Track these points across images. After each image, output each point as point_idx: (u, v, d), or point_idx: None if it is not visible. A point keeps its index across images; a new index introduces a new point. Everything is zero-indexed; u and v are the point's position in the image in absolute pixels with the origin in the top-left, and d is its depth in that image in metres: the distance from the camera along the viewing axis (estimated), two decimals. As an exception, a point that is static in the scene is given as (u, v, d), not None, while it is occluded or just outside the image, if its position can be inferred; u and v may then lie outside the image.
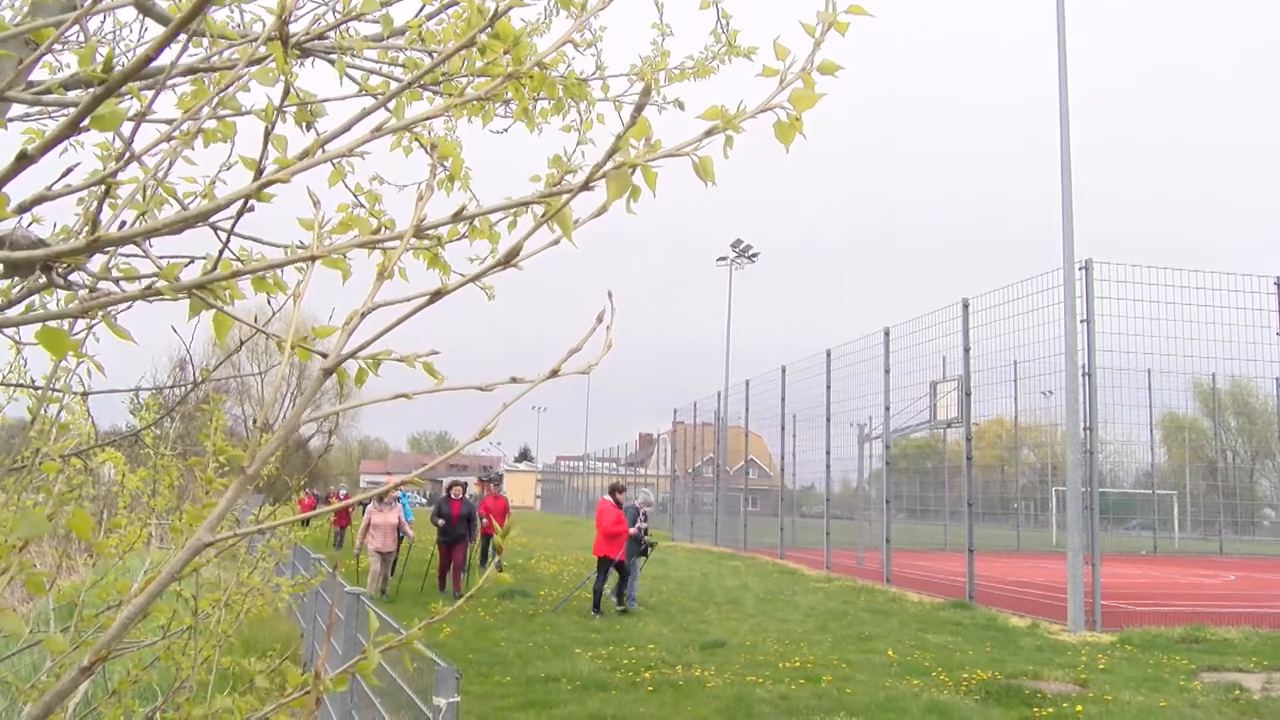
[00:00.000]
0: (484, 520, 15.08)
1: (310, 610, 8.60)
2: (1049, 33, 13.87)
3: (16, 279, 1.10)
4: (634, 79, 2.21)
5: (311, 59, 1.74)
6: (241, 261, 1.46)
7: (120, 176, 1.00)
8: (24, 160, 0.80)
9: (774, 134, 0.78)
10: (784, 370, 25.17)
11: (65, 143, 0.90)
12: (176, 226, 0.89)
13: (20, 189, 0.96)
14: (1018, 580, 18.53)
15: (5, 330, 1.34)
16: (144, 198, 1.12)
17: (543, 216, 0.79)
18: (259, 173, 0.83)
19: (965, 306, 15.69)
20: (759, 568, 21.35)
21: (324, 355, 0.82)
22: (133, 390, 2.34)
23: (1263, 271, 14.78)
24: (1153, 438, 30.64)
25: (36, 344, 0.86)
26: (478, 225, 1.37)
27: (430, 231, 0.98)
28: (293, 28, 0.97)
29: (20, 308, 1.11)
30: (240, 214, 0.98)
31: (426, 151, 1.62)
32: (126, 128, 1.09)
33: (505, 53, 1.10)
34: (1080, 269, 12.81)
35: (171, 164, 1.09)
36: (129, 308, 1.07)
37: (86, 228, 1.05)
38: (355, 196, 1.88)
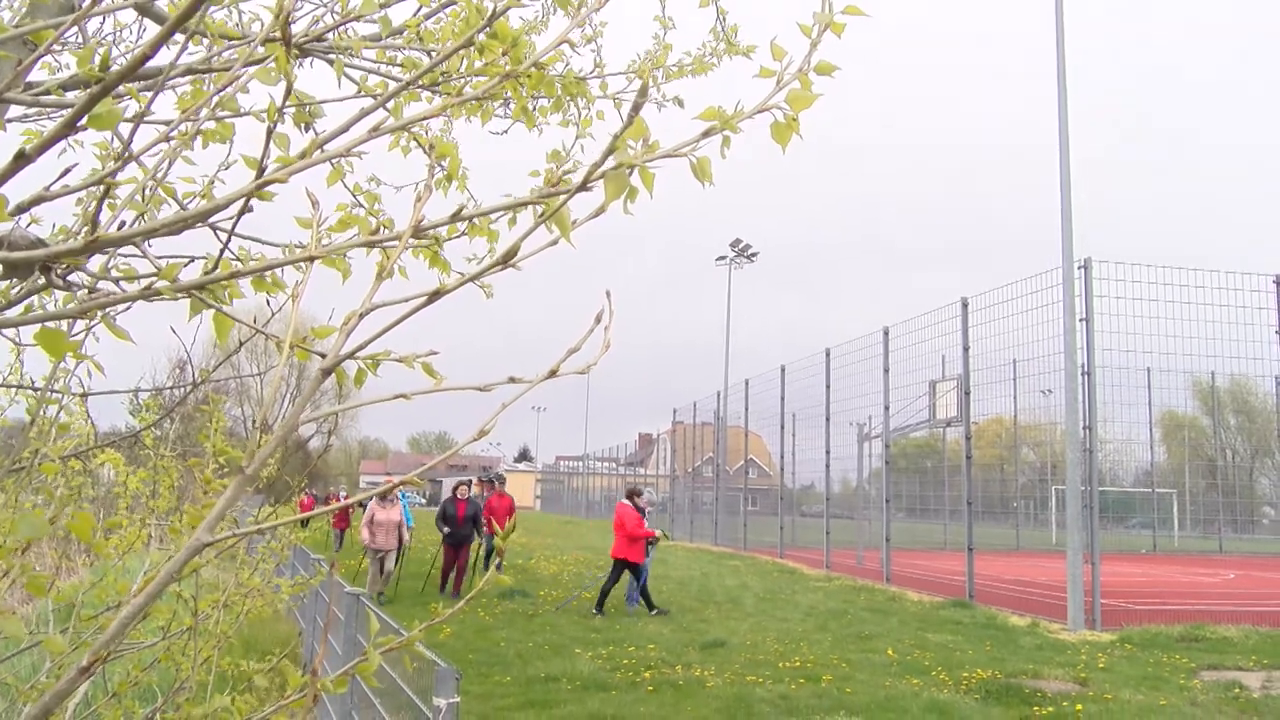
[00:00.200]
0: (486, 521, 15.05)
1: (310, 611, 8.60)
2: (1048, 33, 13.88)
3: (15, 280, 1.10)
4: (633, 76, 2.21)
5: (310, 59, 1.74)
6: (241, 261, 1.46)
7: (119, 177, 1.00)
8: (22, 160, 0.80)
9: (771, 135, 0.78)
10: (783, 370, 25.18)
11: (64, 143, 0.90)
12: (176, 227, 0.89)
13: (18, 189, 0.97)
14: (1017, 579, 18.54)
15: (4, 331, 1.34)
16: (143, 198, 1.12)
17: (541, 217, 0.79)
18: (260, 171, 0.83)
19: (964, 305, 15.69)
20: (759, 567, 21.35)
21: (323, 355, 0.82)
22: (132, 391, 2.34)
23: (1261, 269, 14.79)
24: (1152, 436, 30.65)
25: (36, 345, 0.86)
26: (476, 223, 1.37)
27: (430, 232, 0.98)
28: (292, 29, 0.97)
29: (20, 308, 1.11)
30: (240, 214, 0.98)
31: (425, 151, 1.62)
32: (125, 128, 1.10)
33: (504, 53, 1.10)
34: (1079, 268, 12.82)
35: (170, 164, 1.09)
36: (128, 308, 1.07)
37: (85, 228, 1.05)
38: (354, 196, 1.88)
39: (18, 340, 1.62)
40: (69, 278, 1.09)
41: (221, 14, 1.68)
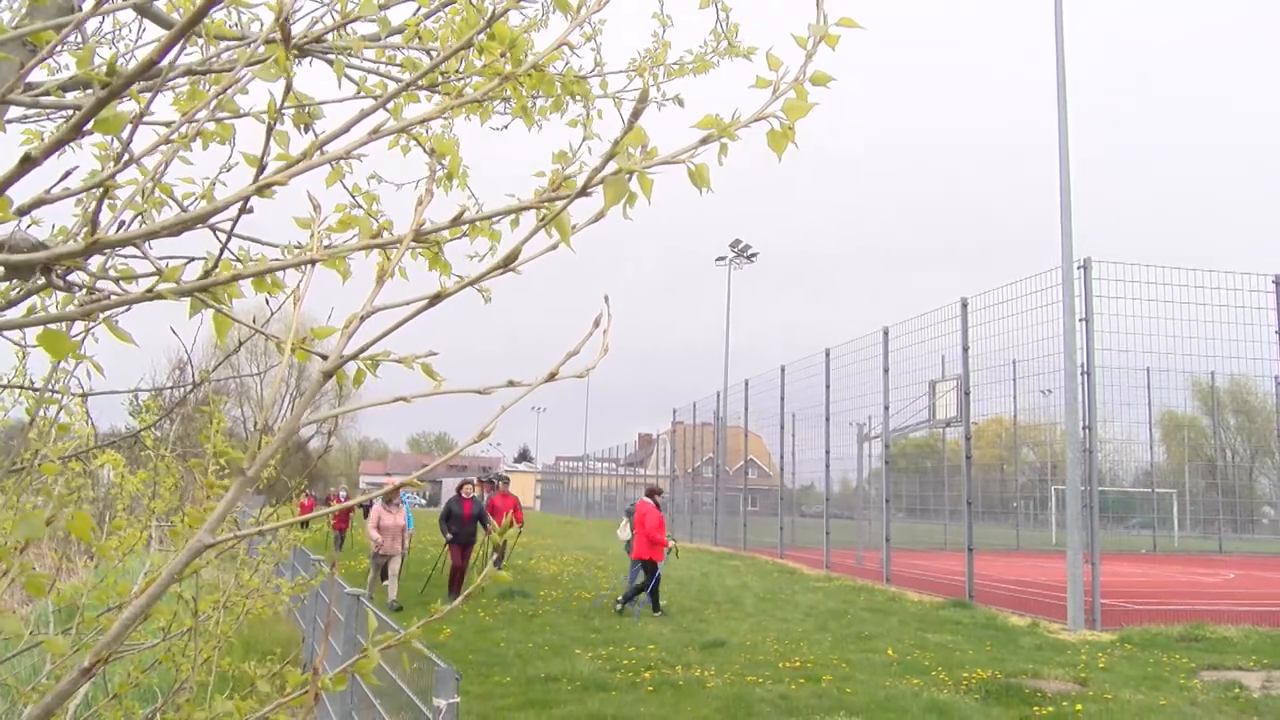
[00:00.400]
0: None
1: (310, 612, 8.60)
2: (1048, 33, 13.89)
3: (16, 281, 1.10)
4: (633, 74, 2.21)
5: (309, 59, 1.74)
6: (241, 262, 1.47)
7: (118, 178, 1.00)
8: (28, 163, 0.80)
9: (767, 143, 0.78)
10: (783, 370, 25.19)
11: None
12: (176, 228, 0.89)
13: (19, 191, 0.97)
14: (1017, 579, 18.54)
15: (4, 332, 1.34)
16: (143, 199, 1.12)
17: (541, 221, 0.79)
18: (260, 170, 0.83)
19: (964, 306, 15.69)
20: (758, 567, 21.35)
21: (324, 357, 0.82)
22: (132, 392, 2.34)
23: (1261, 269, 14.81)
24: (1152, 436, 30.66)
25: (37, 346, 0.86)
26: (478, 224, 1.37)
27: (430, 235, 0.98)
28: (291, 30, 0.97)
29: (21, 309, 1.12)
30: (240, 215, 0.98)
31: (425, 151, 1.63)
32: (125, 130, 1.10)
33: (503, 54, 1.10)
34: (1079, 268, 12.82)
35: (169, 165, 1.09)
36: (128, 310, 1.07)
37: (85, 229, 1.05)
38: (353, 196, 1.88)
39: (22, 342, 1.62)
40: (69, 278, 1.10)
41: (220, 14, 1.68)
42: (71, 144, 1.02)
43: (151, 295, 0.88)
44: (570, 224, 0.79)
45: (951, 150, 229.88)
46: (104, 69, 0.91)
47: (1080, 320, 12.67)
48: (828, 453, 22.05)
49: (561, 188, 0.81)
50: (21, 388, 1.83)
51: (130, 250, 1.16)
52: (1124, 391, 18.72)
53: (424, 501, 61.65)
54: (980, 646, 10.40)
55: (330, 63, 1.58)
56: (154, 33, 1.90)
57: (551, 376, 0.81)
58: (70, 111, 1.35)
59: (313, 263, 0.84)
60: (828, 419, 21.85)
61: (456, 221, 0.87)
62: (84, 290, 1.12)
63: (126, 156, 0.95)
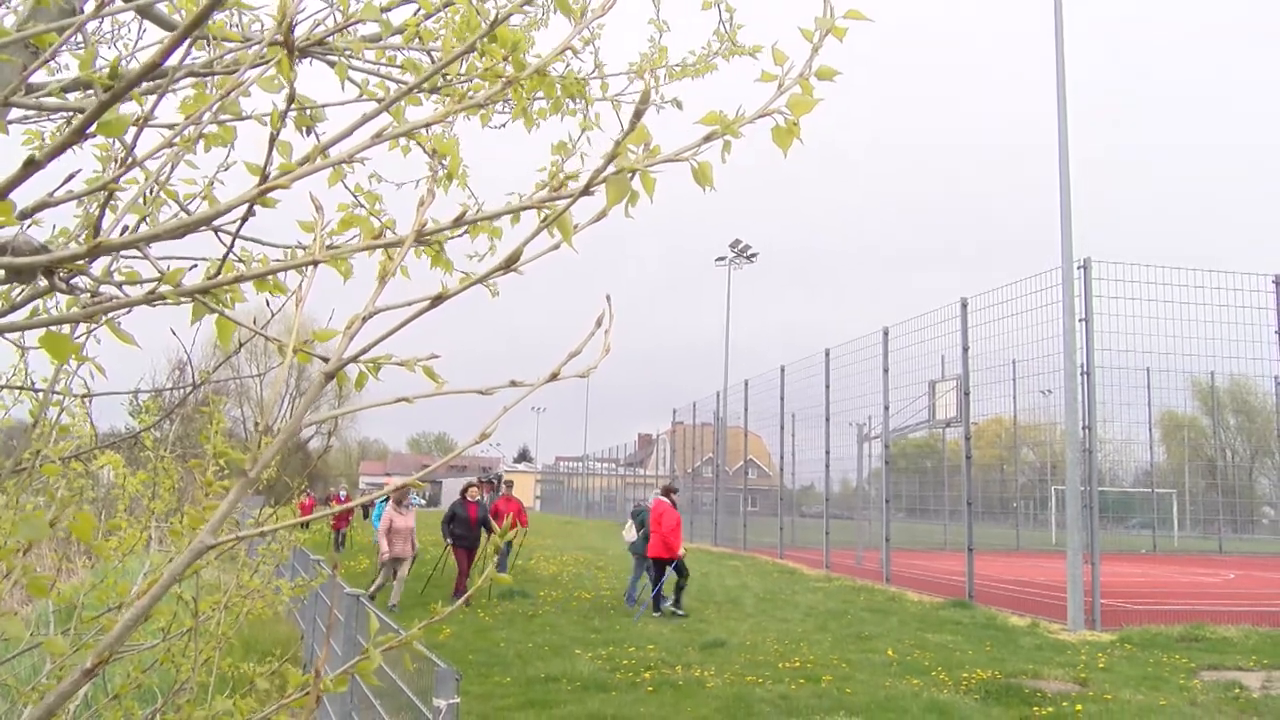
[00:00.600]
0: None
1: (310, 612, 8.60)
2: (1048, 33, 13.89)
3: (19, 284, 1.10)
4: (633, 77, 2.21)
5: (310, 60, 1.74)
6: (243, 264, 1.47)
7: (121, 181, 1.00)
8: (32, 166, 0.80)
9: (772, 139, 0.78)
10: (783, 370, 25.18)
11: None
12: (178, 231, 0.89)
13: (21, 193, 0.97)
14: (1017, 579, 18.54)
15: (6, 334, 1.34)
16: (145, 201, 1.12)
17: (543, 221, 0.79)
18: (264, 177, 0.84)
19: (964, 306, 15.69)
20: (758, 567, 21.36)
21: (325, 359, 0.83)
22: (132, 392, 2.34)
23: (1261, 269, 14.82)
24: (1152, 436, 30.65)
25: (40, 348, 0.86)
26: (479, 224, 1.37)
27: (433, 236, 0.98)
28: (294, 33, 0.97)
29: (25, 312, 1.12)
30: (244, 219, 0.98)
31: (426, 152, 1.63)
32: (128, 132, 1.10)
33: (505, 59, 1.10)
34: (1079, 268, 12.82)
35: (173, 168, 1.09)
36: (129, 312, 1.07)
37: (87, 232, 1.05)
38: (355, 196, 1.89)
39: (23, 344, 1.62)
40: (72, 281, 1.10)
41: (222, 16, 1.68)
42: (74, 146, 1.02)
43: (154, 297, 0.88)
44: (572, 224, 0.79)
45: (951, 150, 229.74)
46: (106, 71, 0.91)
47: (1080, 320, 12.67)
48: (828, 453, 22.05)
49: (562, 187, 0.82)
50: (23, 388, 1.83)
51: (134, 253, 1.16)
52: (1124, 391, 18.69)
53: (424, 502, 61.64)
54: (980, 647, 10.40)
55: (332, 64, 1.59)
56: (155, 32, 1.91)
57: (554, 376, 0.82)
58: (71, 113, 1.35)
59: (316, 264, 0.85)
60: (828, 419, 21.85)
61: (459, 222, 0.87)
62: (87, 294, 1.12)
63: (130, 159, 0.95)
